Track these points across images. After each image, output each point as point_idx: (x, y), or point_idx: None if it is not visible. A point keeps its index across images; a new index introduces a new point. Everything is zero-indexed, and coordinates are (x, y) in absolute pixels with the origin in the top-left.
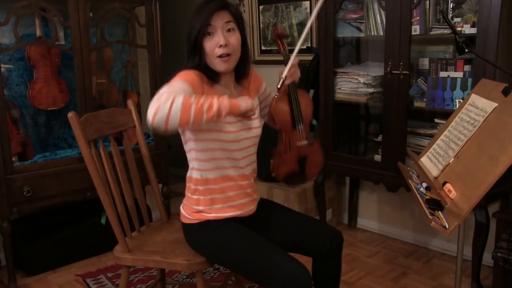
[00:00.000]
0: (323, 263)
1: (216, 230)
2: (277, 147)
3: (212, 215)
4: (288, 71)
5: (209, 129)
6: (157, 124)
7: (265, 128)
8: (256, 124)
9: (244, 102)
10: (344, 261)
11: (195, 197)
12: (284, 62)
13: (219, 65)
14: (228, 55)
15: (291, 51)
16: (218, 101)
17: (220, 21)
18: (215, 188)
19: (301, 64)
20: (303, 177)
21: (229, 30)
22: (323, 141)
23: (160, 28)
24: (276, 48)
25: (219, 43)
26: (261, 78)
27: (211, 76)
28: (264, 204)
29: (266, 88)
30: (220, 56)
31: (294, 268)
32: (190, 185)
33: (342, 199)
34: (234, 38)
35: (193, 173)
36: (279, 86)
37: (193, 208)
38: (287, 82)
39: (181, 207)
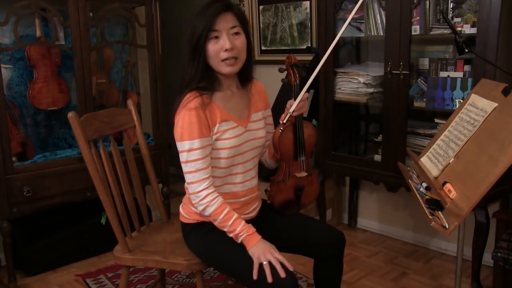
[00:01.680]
0: (324, 264)
1: (209, 232)
2: (275, 175)
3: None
4: (296, 106)
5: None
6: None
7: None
8: (261, 134)
9: (257, 253)
10: (344, 261)
11: None
12: (293, 93)
13: (224, 68)
14: (234, 58)
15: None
16: (237, 236)
17: (225, 25)
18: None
19: (301, 64)
20: (297, 207)
21: (234, 34)
22: (323, 141)
23: (160, 28)
24: (276, 48)
25: (225, 47)
26: (269, 103)
27: (210, 84)
28: (266, 206)
29: (270, 116)
30: (225, 59)
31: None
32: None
33: (342, 199)
34: (240, 42)
35: None
36: (285, 121)
37: (191, 209)
38: (294, 115)
39: (180, 207)
